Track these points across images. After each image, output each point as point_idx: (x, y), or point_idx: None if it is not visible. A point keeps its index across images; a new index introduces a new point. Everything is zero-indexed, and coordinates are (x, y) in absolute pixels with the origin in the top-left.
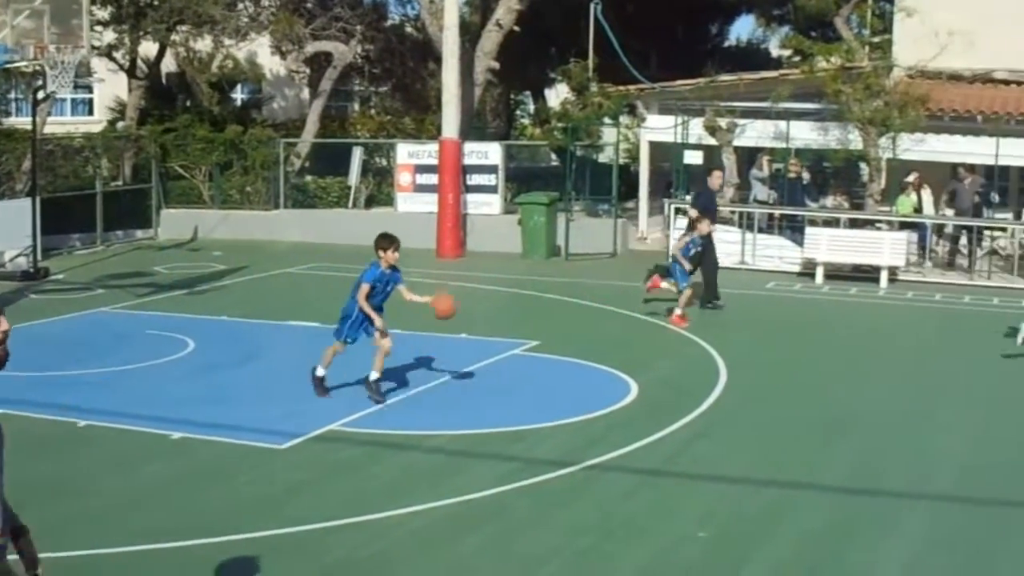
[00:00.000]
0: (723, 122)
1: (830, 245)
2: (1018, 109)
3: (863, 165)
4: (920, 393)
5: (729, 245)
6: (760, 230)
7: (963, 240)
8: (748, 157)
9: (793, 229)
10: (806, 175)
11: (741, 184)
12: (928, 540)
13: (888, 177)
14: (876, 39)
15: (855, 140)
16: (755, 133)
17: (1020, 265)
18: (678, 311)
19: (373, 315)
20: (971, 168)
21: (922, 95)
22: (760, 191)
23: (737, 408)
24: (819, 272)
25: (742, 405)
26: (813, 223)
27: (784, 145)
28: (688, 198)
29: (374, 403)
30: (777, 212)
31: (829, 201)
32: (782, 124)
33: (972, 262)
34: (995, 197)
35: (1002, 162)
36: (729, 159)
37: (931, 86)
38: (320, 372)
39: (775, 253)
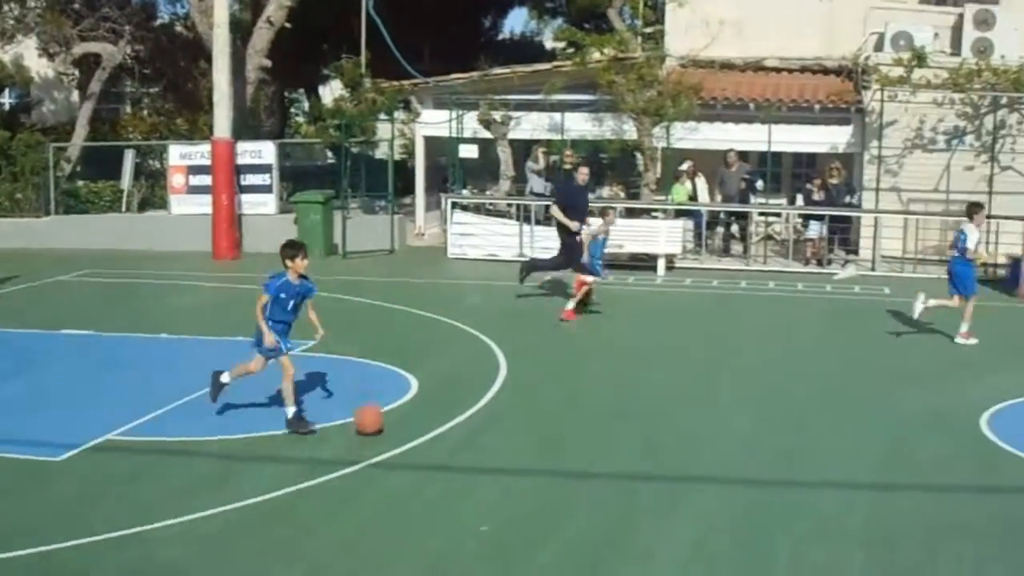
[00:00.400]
0: (498, 115)
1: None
2: (789, 96)
3: (638, 155)
4: (700, 377)
5: (506, 238)
6: (537, 222)
7: (734, 227)
8: (524, 150)
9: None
10: None
11: (517, 177)
12: (711, 522)
13: (663, 166)
14: (649, 30)
15: (630, 130)
16: (530, 125)
17: (795, 249)
18: (572, 304)
19: (265, 330)
20: (738, 155)
21: (695, 84)
22: (536, 183)
23: (518, 400)
24: None
25: (523, 397)
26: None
27: (559, 137)
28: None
29: (303, 433)
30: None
31: (605, 191)
32: (557, 116)
33: (746, 248)
34: (760, 184)
35: (774, 148)
36: (504, 152)
37: (703, 75)
38: (291, 411)
39: (553, 245)
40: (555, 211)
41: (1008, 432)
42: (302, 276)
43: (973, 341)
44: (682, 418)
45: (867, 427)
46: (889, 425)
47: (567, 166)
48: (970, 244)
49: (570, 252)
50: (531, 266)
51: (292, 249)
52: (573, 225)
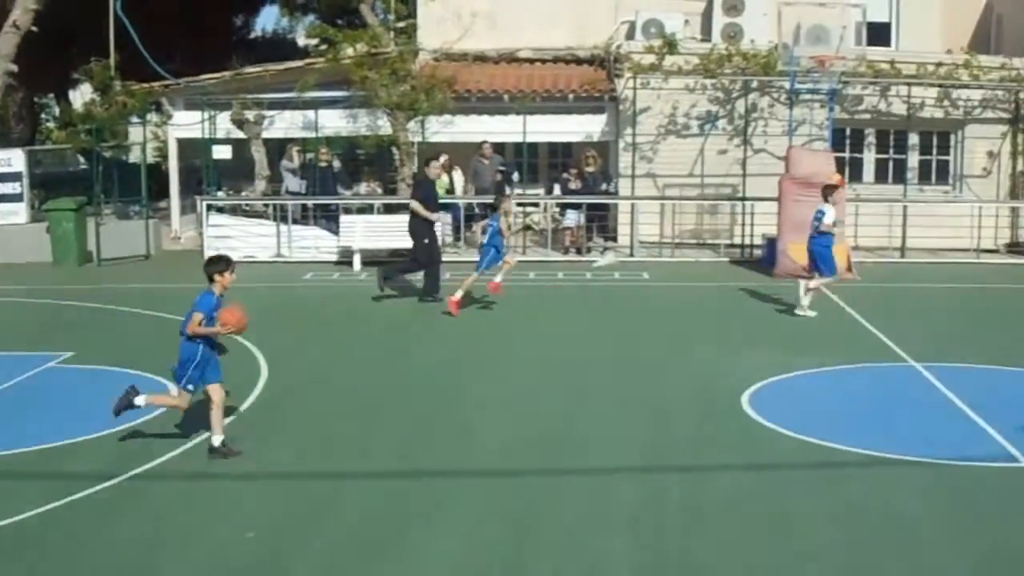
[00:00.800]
0: (251, 115)
1: (365, 232)
2: (543, 86)
3: (394, 150)
4: (466, 370)
5: (264, 238)
6: (295, 221)
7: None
8: (278, 149)
9: (328, 218)
10: (337, 163)
11: (272, 176)
12: (478, 514)
13: (419, 160)
14: (401, 24)
15: (385, 126)
16: (284, 124)
17: (554, 238)
18: (459, 293)
19: (213, 330)
20: (493, 147)
21: (448, 77)
22: (292, 182)
23: (280, 403)
24: (356, 259)
25: (285, 400)
26: (347, 211)
27: (314, 134)
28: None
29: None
30: (311, 202)
31: (363, 188)
32: (311, 113)
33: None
34: (516, 175)
35: (530, 139)
36: (259, 152)
37: (457, 68)
38: (142, 401)
39: (311, 244)
40: (415, 205)
41: (768, 409)
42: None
43: (812, 313)
44: (449, 413)
45: (632, 411)
46: (653, 408)
47: (322, 164)
48: (826, 220)
49: (428, 251)
50: (395, 271)
51: (221, 263)
52: (434, 216)
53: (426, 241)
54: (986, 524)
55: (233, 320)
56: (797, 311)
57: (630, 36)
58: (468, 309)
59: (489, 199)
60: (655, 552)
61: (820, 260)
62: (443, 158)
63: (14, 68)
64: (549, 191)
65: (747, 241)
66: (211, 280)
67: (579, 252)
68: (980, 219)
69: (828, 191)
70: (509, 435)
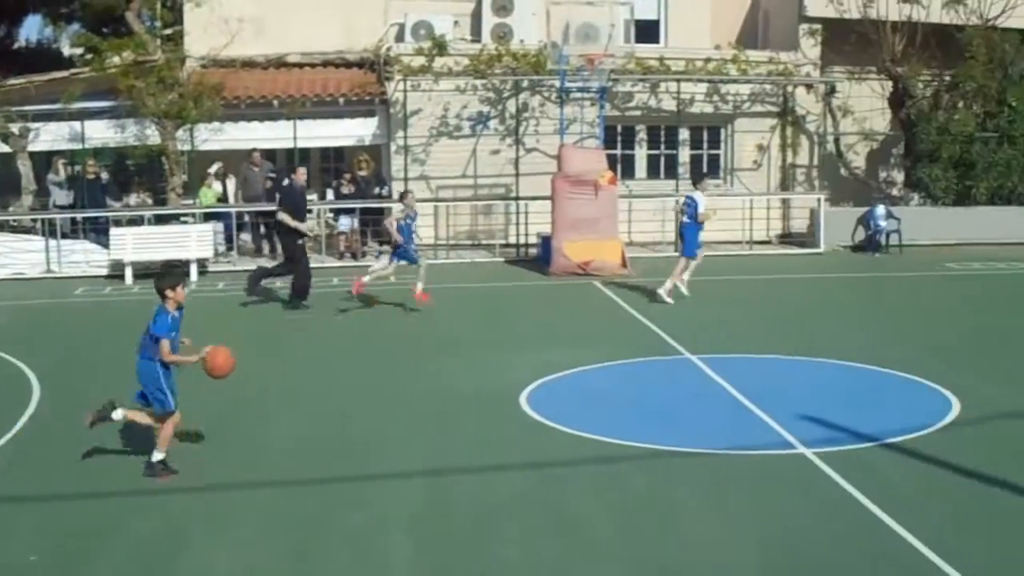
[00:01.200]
0: (15, 128)
1: (137, 244)
2: (312, 91)
3: (165, 159)
4: (248, 380)
5: (32, 254)
6: (64, 236)
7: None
8: (45, 162)
9: (97, 231)
10: (105, 175)
11: (40, 190)
12: (261, 525)
13: (191, 169)
14: (168, 31)
15: (153, 135)
16: (50, 136)
17: (328, 244)
18: (420, 286)
19: (188, 359)
20: (263, 154)
21: (216, 84)
22: (59, 196)
23: (56, 423)
24: (128, 272)
25: (60, 419)
26: (118, 223)
27: (81, 146)
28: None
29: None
30: (79, 216)
31: (133, 199)
32: (77, 125)
33: (273, 246)
34: (286, 181)
35: (301, 144)
36: (24, 166)
37: (225, 75)
38: (158, 456)
39: (81, 258)
40: (283, 216)
41: (546, 407)
42: (180, 307)
43: (670, 301)
44: (228, 421)
45: (411, 414)
46: (432, 410)
47: (90, 176)
48: (700, 209)
49: (302, 250)
50: (260, 275)
51: (173, 278)
52: (304, 227)
53: (300, 242)
54: (768, 511)
55: (216, 364)
56: (660, 291)
57: (400, 38)
58: (244, 318)
59: (263, 207)
60: (438, 556)
61: (685, 243)
62: (215, 166)
63: None
64: (322, 196)
65: (522, 240)
66: (163, 296)
67: (354, 257)
68: (752, 211)
69: (697, 179)
70: (291, 442)
